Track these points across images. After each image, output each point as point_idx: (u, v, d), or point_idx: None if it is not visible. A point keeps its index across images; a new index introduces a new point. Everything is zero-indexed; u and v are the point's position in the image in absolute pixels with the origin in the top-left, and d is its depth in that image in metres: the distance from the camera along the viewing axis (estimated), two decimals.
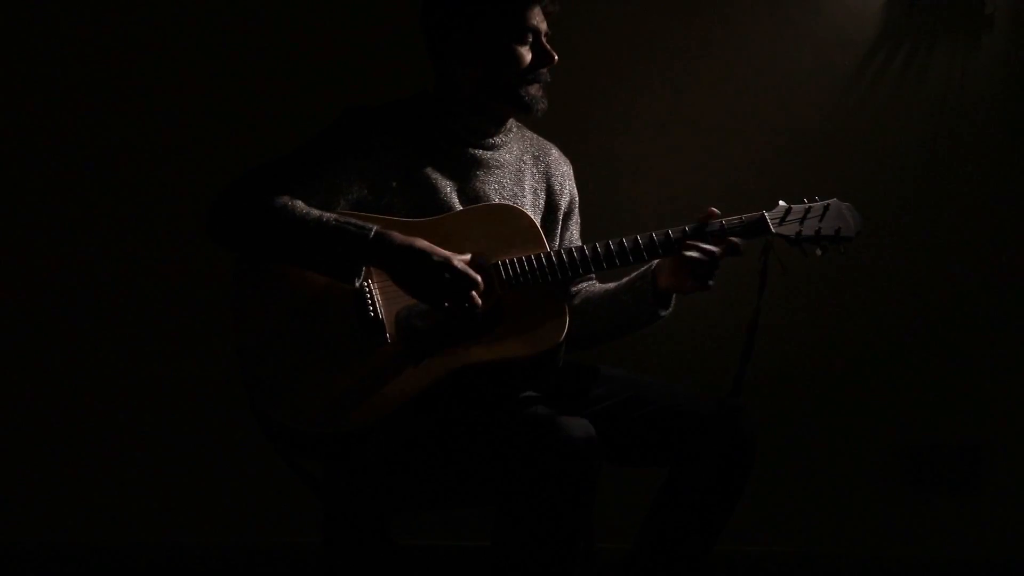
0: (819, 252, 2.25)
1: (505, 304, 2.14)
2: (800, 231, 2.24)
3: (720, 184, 2.98)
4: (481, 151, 2.30)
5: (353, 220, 2.09)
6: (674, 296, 2.29)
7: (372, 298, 2.11)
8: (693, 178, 3.00)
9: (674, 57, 3.00)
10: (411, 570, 3.00)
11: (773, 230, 2.22)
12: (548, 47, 2.25)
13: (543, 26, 2.25)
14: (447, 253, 2.08)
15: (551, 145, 2.45)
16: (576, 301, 2.38)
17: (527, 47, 2.23)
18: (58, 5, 2.98)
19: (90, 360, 3.03)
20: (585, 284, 2.43)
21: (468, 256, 2.12)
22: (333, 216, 2.09)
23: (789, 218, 2.24)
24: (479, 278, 2.08)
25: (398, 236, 2.08)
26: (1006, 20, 2.95)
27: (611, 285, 2.36)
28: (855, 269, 2.96)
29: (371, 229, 2.07)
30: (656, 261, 2.26)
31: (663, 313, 2.28)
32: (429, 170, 2.23)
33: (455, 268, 2.07)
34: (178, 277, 3.00)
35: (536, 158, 2.40)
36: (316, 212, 2.09)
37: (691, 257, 2.16)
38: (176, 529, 3.05)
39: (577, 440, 1.99)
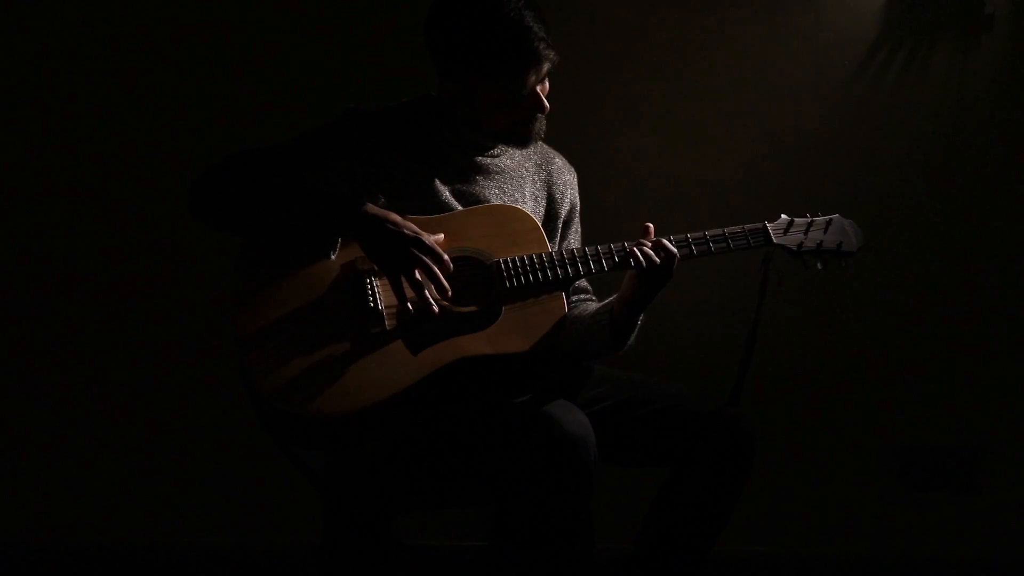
0: (820, 266, 2.27)
1: (505, 300, 2.15)
2: (802, 243, 2.25)
3: (720, 184, 2.99)
4: (481, 157, 2.30)
5: (331, 191, 2.11)
6: (635, 331, 2.27)
7: (373, 288, 2.12)
8: (694, 179, 3.00)
9: (673, 57, 3.00)
10: (411, 570, 2.99)
11: (775, 240, 2.23)
12: (542, 99, 2.20)
13: (542, 76, 2.19)
14: (419, 230, 2.10)
15: (556, 153, 2.44)
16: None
17: (522, 102, 2.20)
18: (62, 3, 2.98)
19: (89, 360, 3.03)
20: (577, 298, 2.42)
21: (440, 236, 2.14)
22: (309, 187, 2.11)
23: (791, 230, 2.25)
24: (447, 258, 2.10)
25: (373, 207, 2.10)
26: (1006, 20, 2.95)
27: (592, 307, 2.36)
28: (855, 269, 2.96)
29: (348, 199, 2.09)
30: (615, 295, 2.25)
31: (618, 344, 2.26)
32: (428, 175, 2.24)
33: (425, 244, 2.08)
34: (178, 277, 3.00)
35: (539, 166, 2.39)
36: (293, 183, 2.11)
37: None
38: (176, 529, 3.05)
39: (572, 434, 1.99)
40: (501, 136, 2.26)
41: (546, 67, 2.18)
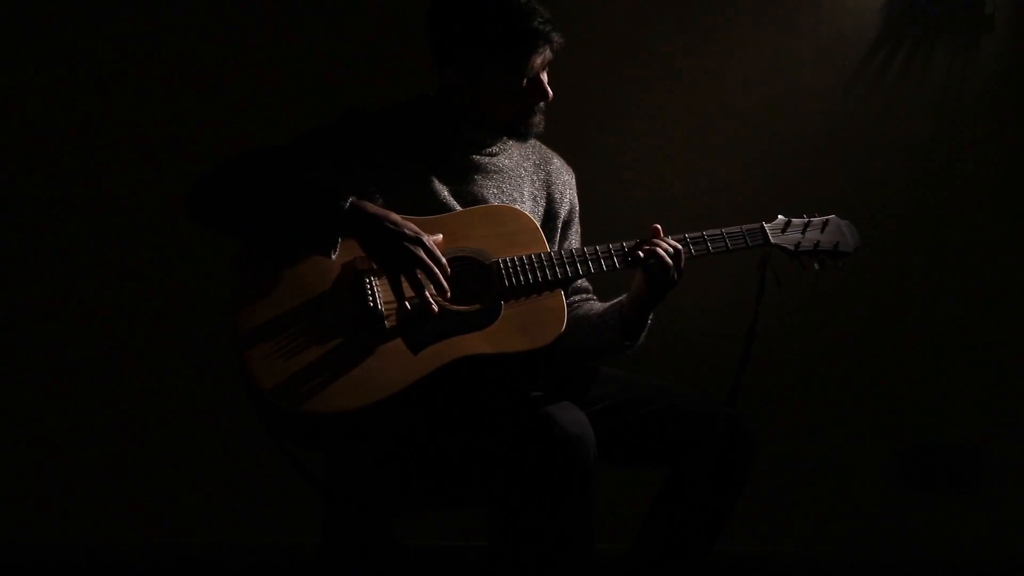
0: (816, 266, 2.27)
1: (505, 300, 2.15)
2: (799, 243, 2.26)
3: (721, 184, 2.99)
4: (479, 156, 2.31)
5: (330, 191, 2.11)
6: (645, 330, 2.28)
7: (372, 288, 2.12)
8: (695, 179, 3.00)
9: (673, 58, 3.00)
10: (411, 570, 3.00)
11: (772, 241, 2.24)
12: (546, 86, 2.23)
13: (546, 61, 2.22)
14: (419, 230, 2.10)
15: (553, 154, 2.45)
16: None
17: (526, 89, 2.22)
18: (61, 3, 2.98)
19: (89, 360, 3.03)
20: (579, 298, 2.42)
21: (439, 236, 2.14)
22: (309, 187, 2.11)
23: (788, 230, 2.26)
24: (444, 261, 2.10)
25: (373, 207, 2.10)
26: (1006, 20, 2.96)
27: (597, 307, 2.36)
28: (854, 269, 2.95)
29: (348, 199, 2.09)
30: (626, 294, 2.26)
31: (627, 343, 2.28)
32: (427, 174, 2.24)
33: (427, 245, 2.09)
34: (178, 277, 3.00)
35: (537, 165, 2.40)
36: (293, 184, 2.11)
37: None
38: (176, 529, 3.06)
39: (571, 434, 1.99)
40: (503, 128, 2.27)
41: (550, 51, 2.21)
